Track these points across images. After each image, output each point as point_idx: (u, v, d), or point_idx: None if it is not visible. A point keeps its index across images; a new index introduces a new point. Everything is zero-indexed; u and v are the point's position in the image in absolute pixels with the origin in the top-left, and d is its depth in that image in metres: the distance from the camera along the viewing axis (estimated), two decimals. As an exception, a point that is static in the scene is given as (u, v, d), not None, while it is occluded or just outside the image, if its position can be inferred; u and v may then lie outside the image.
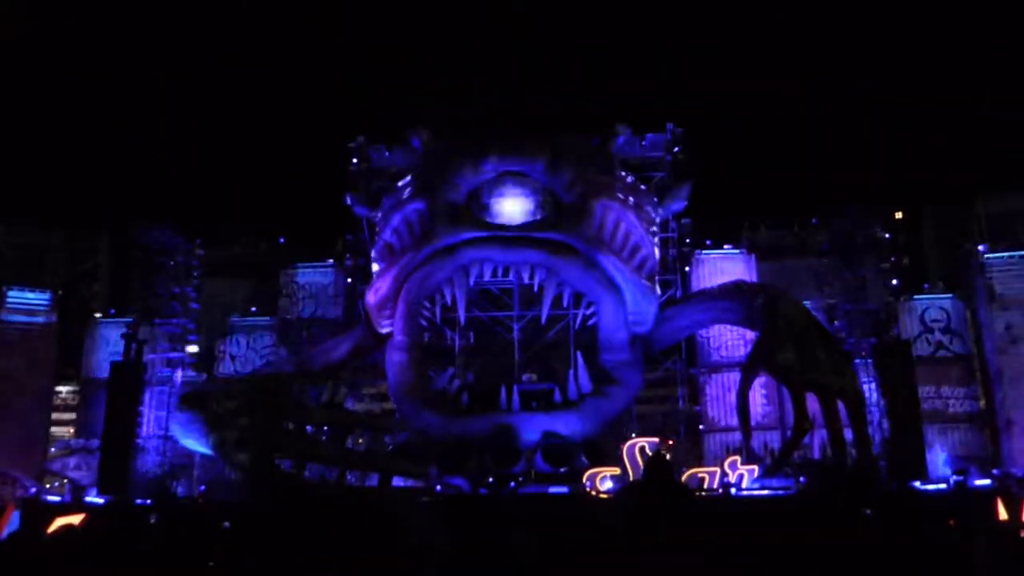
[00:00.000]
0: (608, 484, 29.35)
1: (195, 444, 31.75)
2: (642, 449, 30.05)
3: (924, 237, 46.60)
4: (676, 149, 41.08)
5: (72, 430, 44.45)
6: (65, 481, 39.73)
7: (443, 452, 31.35)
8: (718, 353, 41.96)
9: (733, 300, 34.47)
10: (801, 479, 30.71)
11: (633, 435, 34.16)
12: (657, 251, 36.83)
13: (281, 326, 44.12)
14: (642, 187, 37.07)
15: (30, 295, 43.85)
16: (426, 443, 32.40)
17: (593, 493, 28.97)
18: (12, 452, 40.95)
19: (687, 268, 42.31)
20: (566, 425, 32.36)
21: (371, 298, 35.24)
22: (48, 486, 39.32)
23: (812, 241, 43.87)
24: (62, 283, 44.94)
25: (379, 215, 36.48)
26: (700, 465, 35.10)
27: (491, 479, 30.09)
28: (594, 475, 29.88)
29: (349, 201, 38.81)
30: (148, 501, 31.31)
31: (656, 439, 31.79)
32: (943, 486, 32.65)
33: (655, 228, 36.95)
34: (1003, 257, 41.18)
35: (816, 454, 34.98)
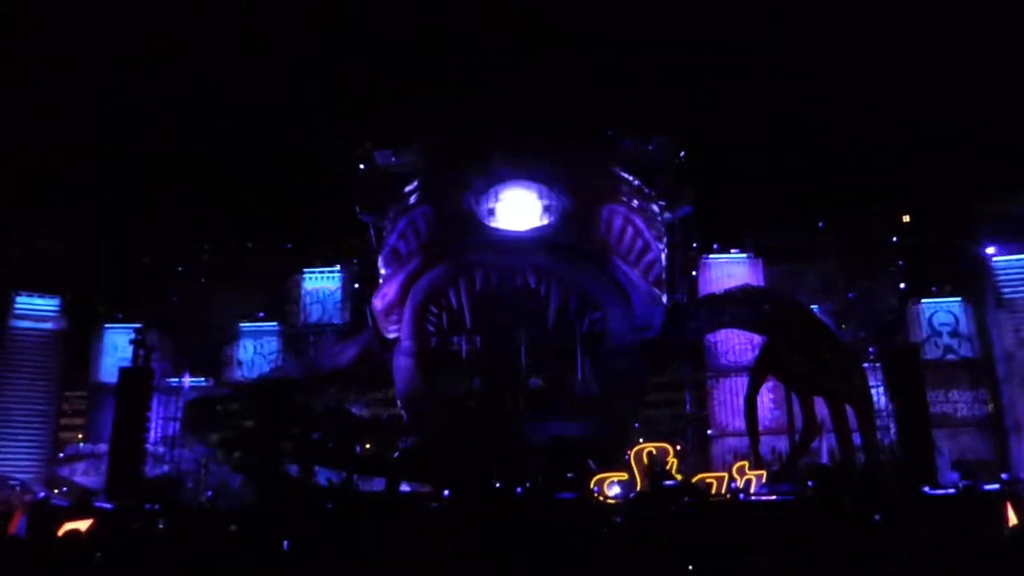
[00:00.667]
0: (615, 489, 29.22)
1: (202, 449, 31.79)
2: (649, 454, 29.94)
3: (932, 240, 46.44)
4: (682, 153, 40.99)
5: (80, 435, 44.57)
6: (73, 486, 39.81)
7: (450, 457, 31.30)
8: (726, 357, 41.87)
9: (740, 305, 34.42)
10: (809, 484, 30.56)
11: (640, 440, 34.06)
12: (664, 255, 36.77)
13: (288, 332, 44.21)
14: (648, 191, 37.01)
15: (38, 301, 43.97)
16: (433, 448, 32.37)
17: (600, 498, 28.87)
18: (21, 457, 41.12)
19: (694, 272, 42.25)
20: (573, 430, 32.28)
21: (378, 303, 35.26)
22: (56, 491, 39.38)
23: (819, 245, 43.73)
24: (70, 289, 45.03)
25: (385, 220, 36.50)
26: (708, 470, 34.98)
27: (498, 484, 30.03)
28: (601, 480, 29.78)
29: (355, 207, 38.82)
30: (156, 506, 31.33)
31: (664, 444, 31.68)
32: (952, 490, 32.47)
33: (662, 232, 36.90)
34: (1011, 260, 41.00)
35: (824, 459, 34.84)
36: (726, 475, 30.76)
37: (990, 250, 41.57)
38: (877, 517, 20.07)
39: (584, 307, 34.36)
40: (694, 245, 41.83)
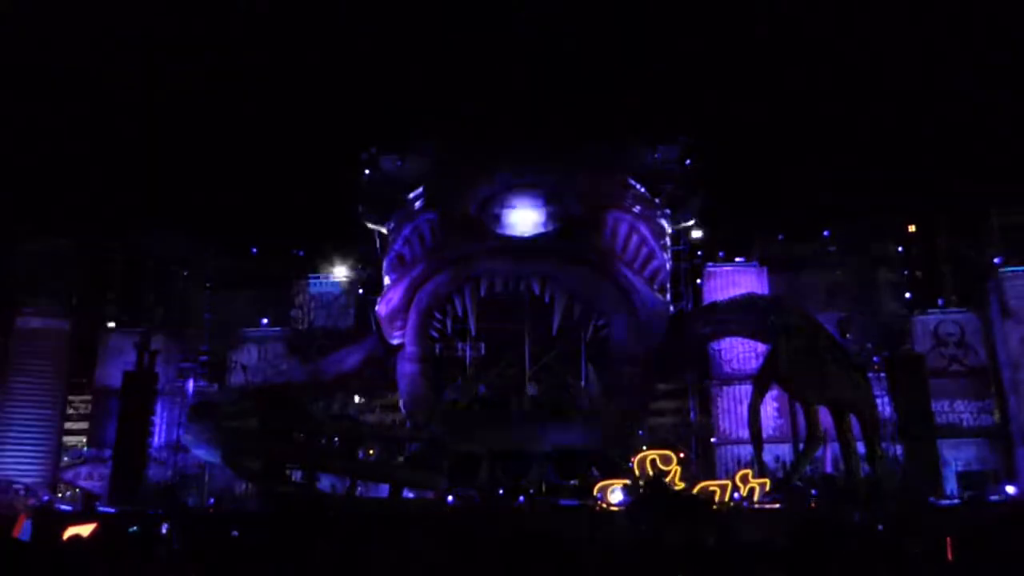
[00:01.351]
0: (618, 496, 29.17)
1: (206, 454, 31.80)
2: (653, 461, 29.86)
3: (937, 250, 46.38)
4: (688, 161, 40.99)
5: (84, 439, 44.61)
6: (77, 490, 39.86)
7: (454, 463, 31.27)
8: (730, 365, 41.81)
9: (745, 313, 34.36)
10: (813, 493, 30.46)
11: (644, 447, 34.00)
12: (669, 263, 36.75)
13: (292, 337, 44.23)
14: (654, 199, 37.02)
15: (45, 304, 44.03)
16: (437, 454, 32.33)
17: (603, 505, 28.80)
18: (25, 461, 41.16)
19: (699, 280, 42.21)
20: (577, 437, 32.24)
21: (382, 309, 35.28)
22: (60, 495, 39.44)
23: (824, 254, 43.66)
24: (75, 293, 45.12)
25: (391, 226, 36.54)
26: (711, 478, 34.88)
27: (501, 490, 29.99)
28: (605, 487, 29.71)
29: (361, 212, 38.86)
30: (159, 511, 31.34)
31: (667, 451, 31.60)
32: (957, 500, 32.37)
33: (667, 240, 36.90)
34: (1017, 270, 40.89)
35: (828, 468, 34.74)
36: (729, 483, 30.67)
37: (995, 260, 41.49)
38: (880, 527, 19.97)
39: (589, 314, 34.34)
40: (699, 253, 41.76)
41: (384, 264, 37.09)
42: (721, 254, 43.92)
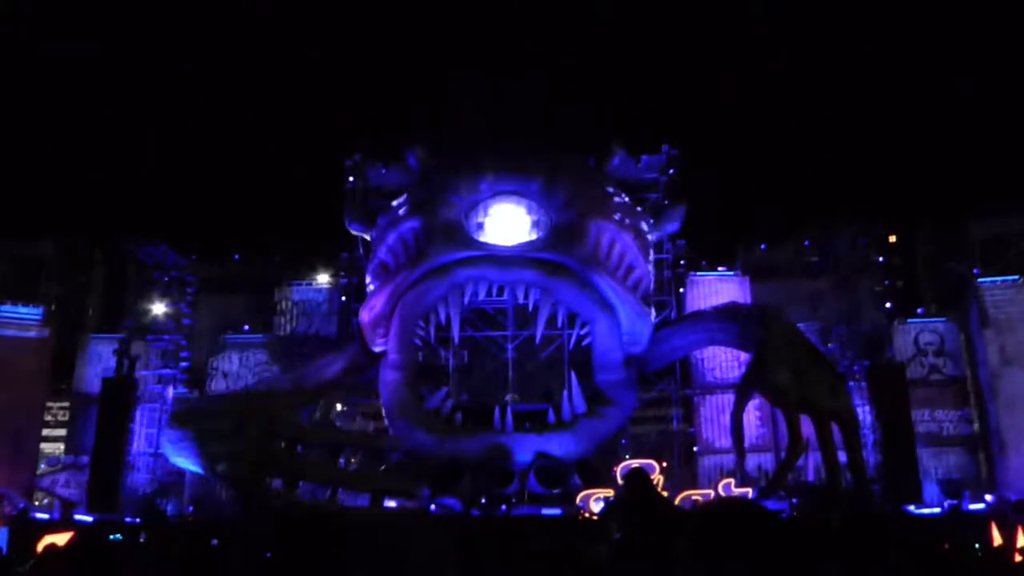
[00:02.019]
0: (601, 505, 29.18)
1: (185, 462, 31.50)
2: (625, 475, 29.82)
3: (918, 260, 46.74)
4: (671, 170, 41.25)
5: (62, 446, 44.09)
6: (54, 498, 39.37)
7: (436, 472, 31.17)
8: (712, 374, 41.96)
9: (727, 322, 34.51)
10: (794, 501, 30.60)
11: (627, 456, 34.05)
12: (652, 272, 36.91)
13: (274, 343, 43.96)
14: (637, 208, 37.18)
15: (23, 310, 43.51)
16: (419, 463, 32.22)
17: (586, 514, 28.80)
18: (1, 468, 40.60)
19: (681, 289, 42.36)
20: (560, 446, 32.23)
21: (365, 316, 35.17)
22: (37, 503, 38.95)
23: (806, 264, 43.93)
24: (55, 298, 44.65)
25: (375, 233, 36.47)
26: (694, 487, 34.98)
27: (484, 500, 29.91)
28: (587, 496, 29.72)
29: (345, 219, 38.79)
30: (137, 519, 31.04)
31: (650, 460, 31.64)
32: (937, 510, 32.56)
33: (650, 249, 37.04)
34: (996, 281, 41.28)
35: (810, 477, 34.89)
36: (712, 492, 30.78)
37: (974, 270, 41.87)
38: (862, 536, 20.05)
39: (572, 323, 34.45)
40: (682, 262, 41.94)
41: (368, 271, 37.02)
42: (704, 263, 44.11)
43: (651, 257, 37.17)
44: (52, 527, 26.89)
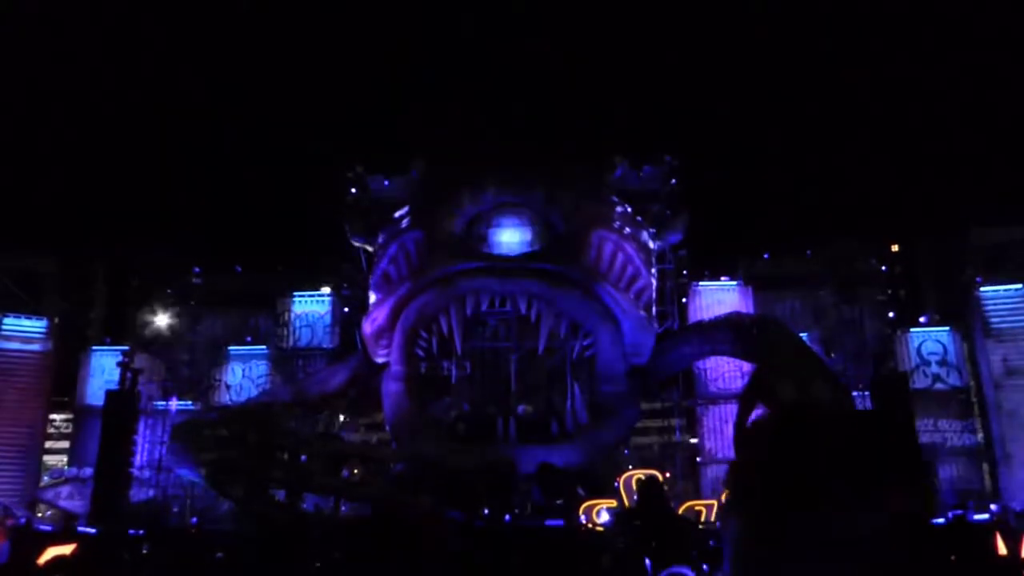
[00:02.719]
0: (604, 516, 29.07)
1: (189, 473, 31.51)
2: (639, 481, 29.78)
3: (921, 270, 46.75)
4: (673, 181, 41.27)
5: (65, 459, 44.09)
6: (57, 510, 39.32)
7: (439, 483, 31.10)
8: (715, 385, 41.86)
9: (730, 332, 34.48)
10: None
11: (630, 467, 33.94)
12: (654, 282, 36.88)
13: (277, 355, 43.99)
14: (639, 218, 37.21)
15: (26, 322, 43.64)
16: (422, 474, 32.17)
17: (589, 525, 28.70)
18: (5, 480, 40.64)
19: (684, 300, 42.34)
20: (563, 456, 32.16)
21: (368, 328, 35.18)
22: (40, 515, 38.90)
23: (809, 274, 43.93)
24: (59, 310, 44.74)
25: (377, 245, 36.53)
26: (697, 497, 34.85)
27: (487, 511, 29.82)
28: (590, 507, 29.62)
29: (347, 231, 38.86)
30: (141, 531, 30.97)
31: (653, 471, 31.53)
32: (941, 520, 32.38)
33: (652, 259, 37.04)
34: (999, 291, 41.23)
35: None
36: (715, 503, 30.65)
37: (978, 280, 41.82)
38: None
39: (575, 333, 34.42)
40: (685, 272, 41.93)
41: (371, 283, 37.06)
42: (706, 273, 44.12)
43: (654, 267, 37.17)
44: (55, 539, 26.86)
